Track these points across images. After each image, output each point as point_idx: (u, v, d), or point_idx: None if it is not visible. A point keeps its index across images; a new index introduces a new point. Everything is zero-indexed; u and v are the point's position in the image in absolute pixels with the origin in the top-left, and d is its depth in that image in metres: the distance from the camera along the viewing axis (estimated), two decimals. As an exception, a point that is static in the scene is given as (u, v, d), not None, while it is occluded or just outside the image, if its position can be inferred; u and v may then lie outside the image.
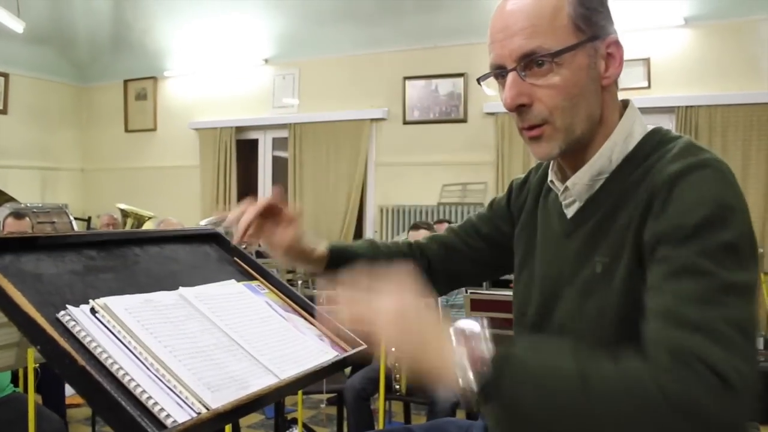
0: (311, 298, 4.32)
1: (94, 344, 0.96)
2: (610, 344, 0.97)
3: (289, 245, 1.20)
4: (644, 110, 4.57)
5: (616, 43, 1.03)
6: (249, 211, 1.19)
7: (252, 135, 7.11)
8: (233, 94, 6.98)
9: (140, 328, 1.03)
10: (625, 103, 1.10)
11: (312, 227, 6.58)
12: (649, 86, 5.34)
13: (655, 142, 1.04)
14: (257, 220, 1.22)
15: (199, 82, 7.21)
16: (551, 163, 1.15)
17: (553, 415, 0.80)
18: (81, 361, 0.89)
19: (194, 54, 7.04)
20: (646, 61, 5.34)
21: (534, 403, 0.80)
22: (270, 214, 1.22)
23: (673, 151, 0.98)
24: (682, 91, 5.21)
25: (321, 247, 1.25)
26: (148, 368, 0.97)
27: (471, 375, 0.82)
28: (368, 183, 6.43)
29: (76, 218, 6.79)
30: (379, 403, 3.02)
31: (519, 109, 1.02)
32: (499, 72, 1.05)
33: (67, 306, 1.00)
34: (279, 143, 7.02)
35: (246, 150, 7.17)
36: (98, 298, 1.05)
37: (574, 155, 1.06)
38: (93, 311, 1.02)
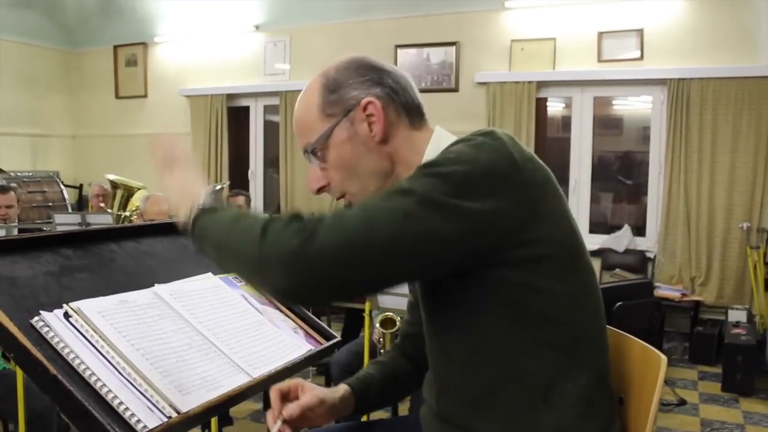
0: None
1: (67, 350, 0.99)
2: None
3: (314, 405, 1.24)
4: (636, 82, 4.50)
5: (372, 103, 1.14)
6: (274, 407, 1.23)
7: (243, 102, 7.07)
8: (224, 61, 6.91)
9: (113, 331, 1.05)
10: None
11: (303, 197, 6.59)
12: (641, 57, 5.30)
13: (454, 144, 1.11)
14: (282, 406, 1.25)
15: (190, 49, 7.13)
16: None
17: (214, 236, 1.07)
18: (53, 370, 0.92)
19: (184, 20, 6.94)
20: (639, 32, 5.30)
21: (209, 228, 1.08)
22: (286, 398, 1.26)
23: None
24: (675, 63, 5.18)
25: (340, 391, 1.32)
26: (120, 373, 1.00)
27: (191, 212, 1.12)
28: (359, 152, 6.42)
29: (67, 185, 6.78)
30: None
31: (321, 190, 1.20)
32: None
33: (41, 311, 1.02)
34: (270, 109, 6.98)
35: (237, 117, 7.13)
36: (73, 300, 1.07)
37: None
38: (67, 316, 1.04)
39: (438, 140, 1.18)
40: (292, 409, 1.20)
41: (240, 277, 1.08)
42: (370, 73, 1.16)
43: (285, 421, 1.19)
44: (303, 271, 0.94)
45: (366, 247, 0.94)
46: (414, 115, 1.19)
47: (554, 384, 1.06)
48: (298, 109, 1.20)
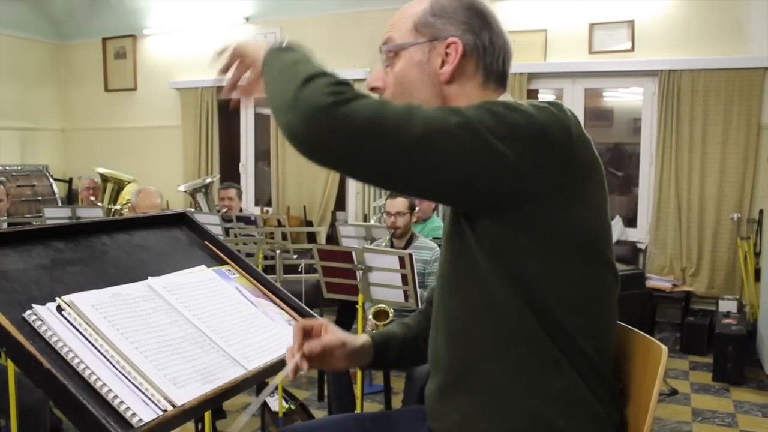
0: (293, 268, 4.30)
1: (60, 344, 0.98)
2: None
3: (335, 346, 1.24)
4: (627, 73, 4.51)
5: (455, 44, 1.16)
6: (296, 341, 1.20)
7: (234, 95, 7.02)
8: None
9: (107, 324, 1.05)
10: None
11: (295, 190, 6.57)
12: (632, 49, 5.31)
13: None
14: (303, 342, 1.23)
15: (179, 41, 7.07)
16: None
17: (274, 69, 1.12)
18: (46, 364, 0.90)
19: (174, 12, 6.89)
20: (630, 24, 5.30)
21: (275, 61, 1.14)
22: (308, 335, 1.24)
23: None
24: (666, 54, 5.19)
25: (361, 339, 1.32)
26: (114, 366, 0.99)
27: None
28: (351, 144, 6.40)
29: (56, 179, 6.74)
30: (357, 370, 3.08)
31: (375, 90, 1.21)
32: None
33: (33, 305, 1.01)
34: (261, 101, 6.93)
35: (228, 109, 7.09)
36: (65, 293, 1.06)
37: None
38: (59, 309, 1.03)
39: None
40: (313, 345, 1.19)
41: (272, 113, 1.10)
42: (474, 20, 1.18)
43: (304, 356, 1.17)
44: (323, 126, 0.95)
45: (391, 134, 0.95)
46: (492, 79, 1.21)
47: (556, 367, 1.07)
48: (405, 9, 1.22)
